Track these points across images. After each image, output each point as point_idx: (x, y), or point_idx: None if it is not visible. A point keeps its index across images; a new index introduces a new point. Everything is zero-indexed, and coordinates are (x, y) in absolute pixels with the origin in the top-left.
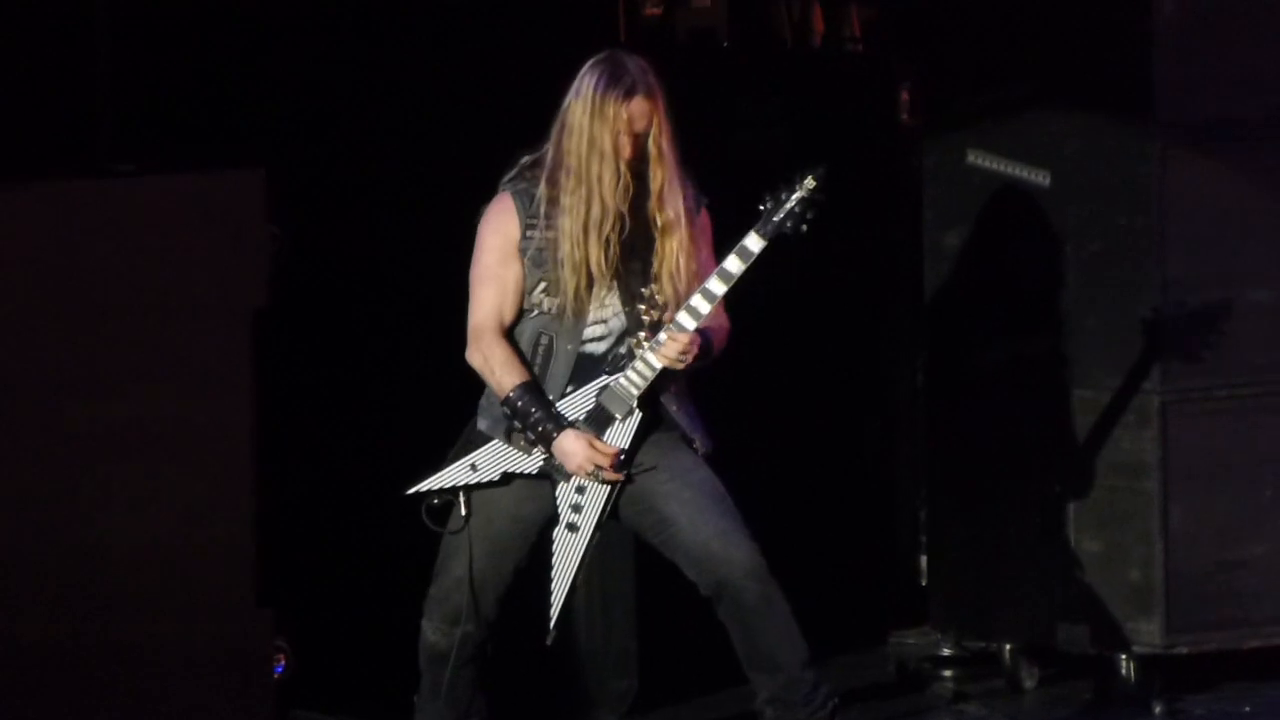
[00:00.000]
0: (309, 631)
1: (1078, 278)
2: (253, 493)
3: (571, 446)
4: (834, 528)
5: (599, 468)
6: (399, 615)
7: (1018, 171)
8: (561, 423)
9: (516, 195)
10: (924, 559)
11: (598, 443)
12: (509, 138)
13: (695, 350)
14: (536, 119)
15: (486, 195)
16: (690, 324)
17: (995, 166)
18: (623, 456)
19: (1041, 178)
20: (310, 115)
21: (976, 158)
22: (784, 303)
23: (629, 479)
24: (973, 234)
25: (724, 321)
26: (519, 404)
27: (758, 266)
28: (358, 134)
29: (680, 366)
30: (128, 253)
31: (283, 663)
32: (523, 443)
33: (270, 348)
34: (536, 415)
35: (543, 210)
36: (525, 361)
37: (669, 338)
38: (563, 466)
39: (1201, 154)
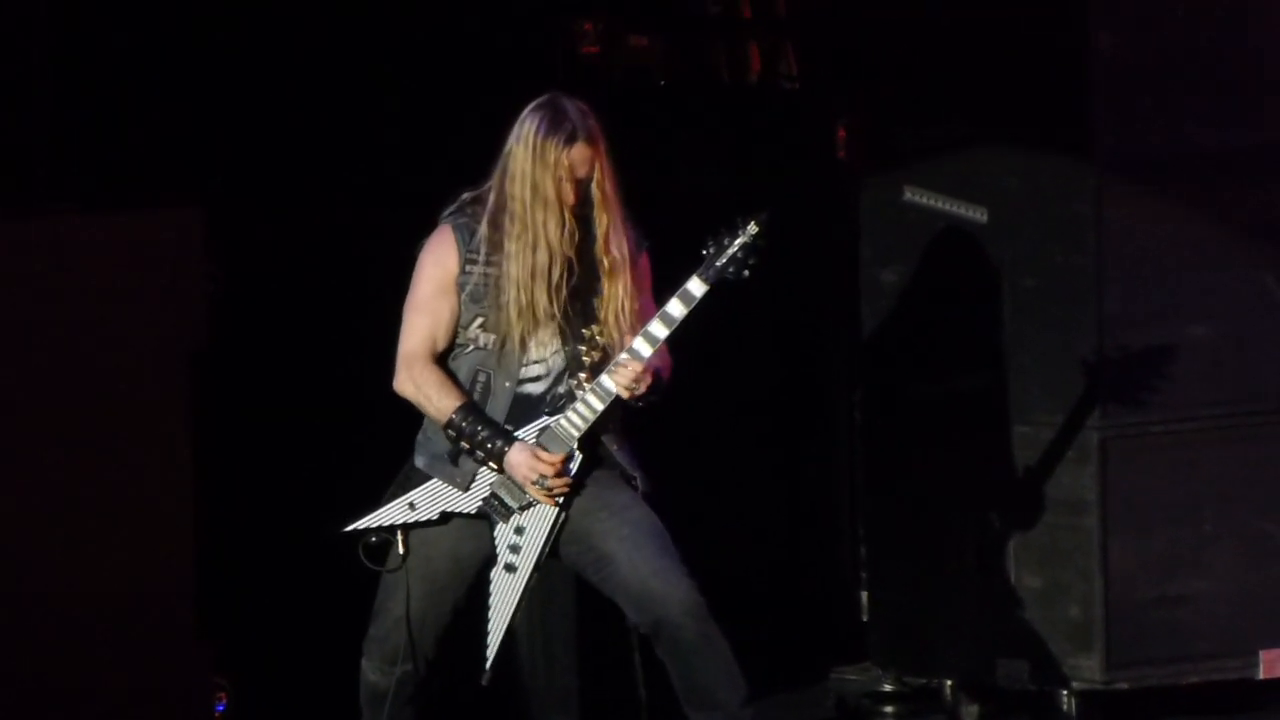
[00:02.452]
0: (250, 668)
1: (1015, 314)
2: (192, 530)
3: (518, 459)
4: (773, 564)
5: (543, 477)
6: (340, 653)
7: (955, 209)
8: (510, 437)
9: (457, 229)
10: (864, 594)
11: (541, 453)
12: (448, 174)
13: (649, 380)
14: (476, 156)
15: (425, 232)
16: (613, 385)
17: (932, 204)
18: (569, 465)
19: (979, 214)
20: (250, 153)
21: (913, 194)
22: (722, 338)
23: (567, 518)
24: (910, 271)
25: (668, 361)
26: (464, 425)
27: (699, 308)
28: (297, 172)
29: (630, 394)
30: (64, 292)
31: (223, 700)
32: (469, 464)
33: (209, 388)
34: (484, 434)
35: (483, 249)
36: (460, 385)
37: (621, 365)
38: (500, 506)
39: (1138, 190)
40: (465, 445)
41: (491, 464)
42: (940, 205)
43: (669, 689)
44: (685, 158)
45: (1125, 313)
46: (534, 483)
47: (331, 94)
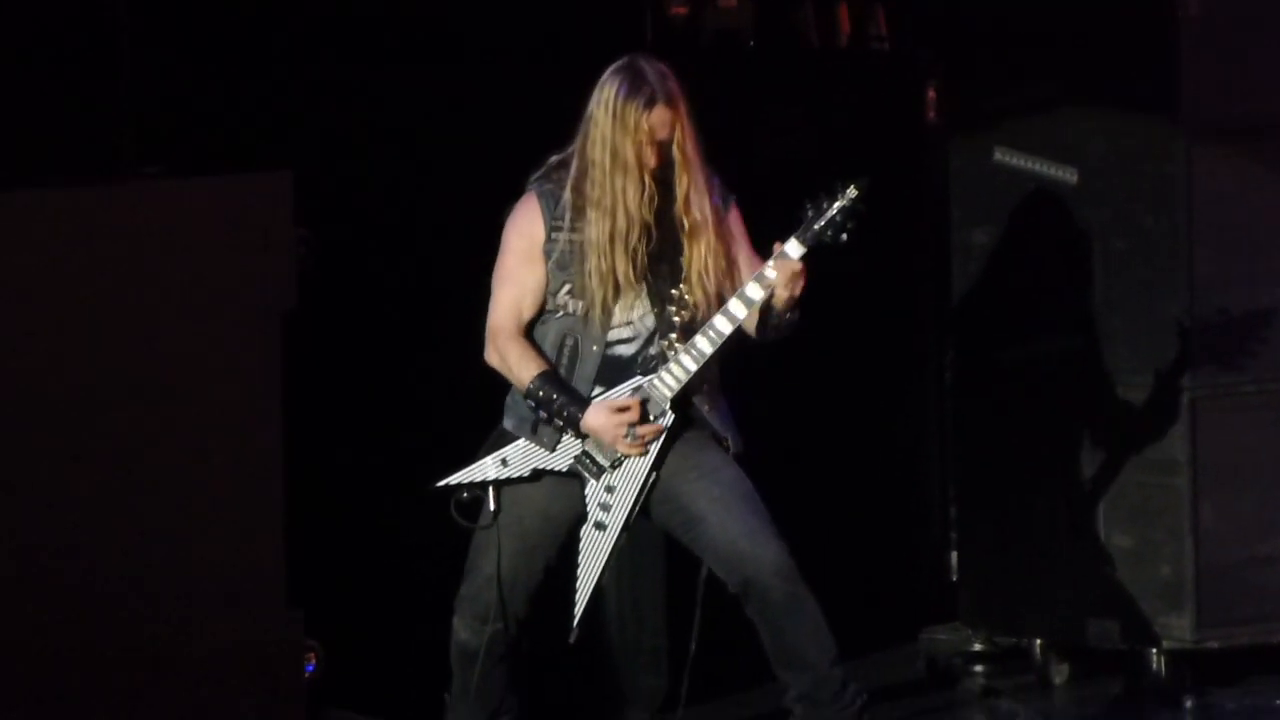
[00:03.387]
0: (340, 630)
1: (1105, 276)
2: (283, 493)
3: (596, 420)
4: (864, 525)
5: (630, 427)
6: (431, 614)
7: (1045, 169)
8: (585, 403)
9: (542, 196)
10: (954, 555)
11: (615, 403)
12: (536, 139)
13: (804, 281)
14: (563, 120)
15: (514, 197)
16: (740, 313)
17: (1022, 164)
18: (657, 419)
19: (1069, 175)
20: (338, 117)
21: (1003, 155)
22: (812, 302)
23: (658, 478)
24: (1000, 232)
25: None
26: (540, 393)
27: None
28: (386, 136)
29: (786, 294)
30: (155, 256)
31: (313, 662)
32: (550, 433)
33: (300, 349)
34: (559, 400)
35: (568, 214)
36: (543, 355)
37: (762, 275)
38: (591, 464)
39: (1227, 153)
40: (544, 414)
41: (570, 431)
42: (1030, 166)
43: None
44: (774, 120)
45: (1214, 274)
46: (623, 436)
47: (420, 58)
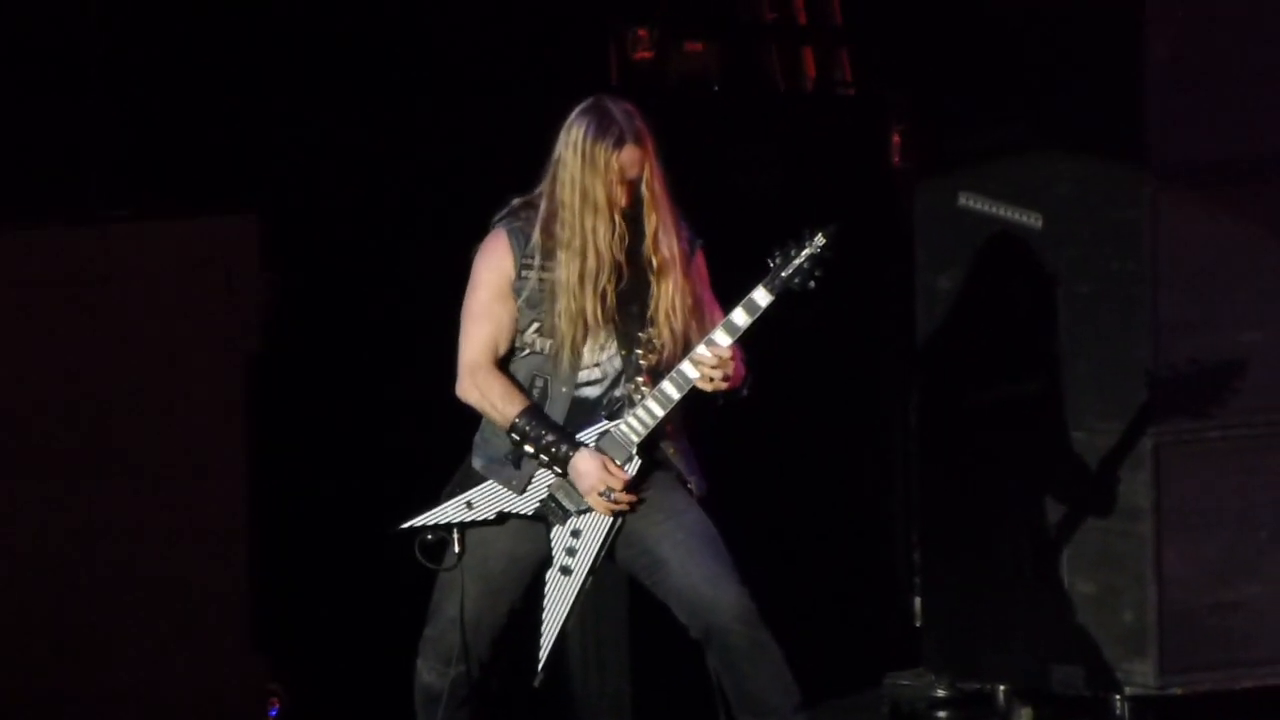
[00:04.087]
0: (303, 673)
1: (1070, 320)
2: (247, 535)
3: (586, 467)
4: (828, 569)
5: (610, 489)
6: (395, 656)
7: (1010, 214)
8: (576, 442)
9: (512, 234)
10: (918, 600)
11: (611, 465)
12: (500, 180)
13: (733, 368)
14: (528, 161)
15: (478, 236)
16: (694, 373)
17: (987, 209)
18: (622, 464)
19: (1034, 220)
20: (304, 159)
21: (969, 200)
22: (777, 344)
23: (623, 523)
24: (965, 276)
25: (740, 370)
26: (528, 429)
27: (762, 318)
28: (351, 178)
29: (711, 385)
30: (121, 298)
31: (276, 706)
32: (524, 472)
33: (265, 391)
34: (549, 438)
35: (538, 255)
36: (523, 389)
37: (701, 356)
38: (558, 508)
39: (1193, 196)
40: (530, 450)
41: (556, 469)
42: (995, 211)
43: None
44: (740, 164)
45: (1180, 318)
46: (600, 494)
47: (383, 98)
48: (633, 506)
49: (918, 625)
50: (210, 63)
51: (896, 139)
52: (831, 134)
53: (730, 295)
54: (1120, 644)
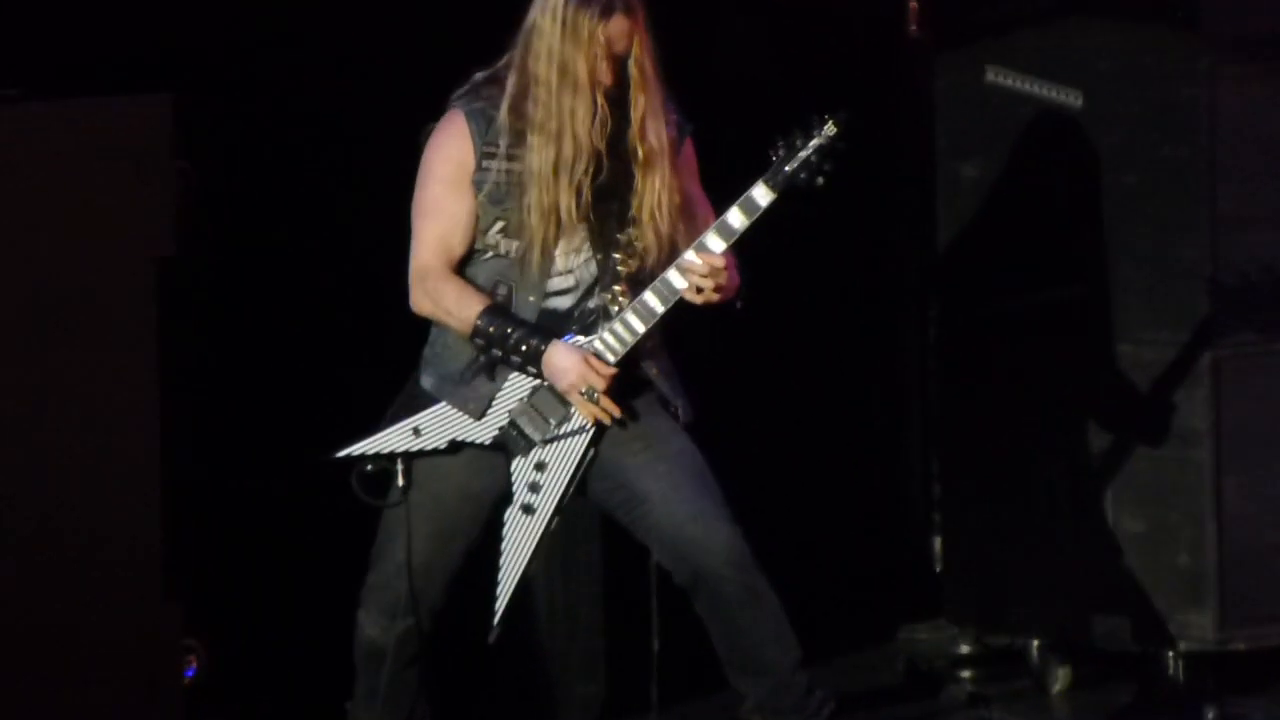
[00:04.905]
0: (224, 627)
1: (1114, 215)
2: (159, 468)
3: (564, 361)
4: (834, 507)
5: (594, 389)
6: (331, 607)
7: (1045, 92)
8: (549, 336)
9: (471, 116)
10: (938, 542)
11: (593, 359)
12: (455, 49)
13: (726, 278)
14: (486, 31)
15: (430, 116)
16: (682, 283)
17: (1019, 86)
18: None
19: (1072, 99)
20: (224, 33)
21: (997, 76)
22: (772, 248)
23: (596, 453)
24: (993, 164)
25: (734, 279)
26: (491, 329)
27: (762, 219)
28: (277, 53)
29: (701, 297)
30: (13, 191)
31: (194, 665)
32: (486, 387)
33: (178, 301)
34: (516, 334)
35: (504, 139)
36: (482, 290)
37: (690, 262)
38: (520, 437)
39: (1256, 72)
40: (497, 352)
41: (530, 369)
42: (1028, 88)
43: (699, 647)
44: (732, 34)
45: (1240, 213)
46: (582, 391)
47: None
48: (598, 433)
49: (937, 570)
50: None
51: (914, 4)
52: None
53: (719, 191)
54: (1174, 591)
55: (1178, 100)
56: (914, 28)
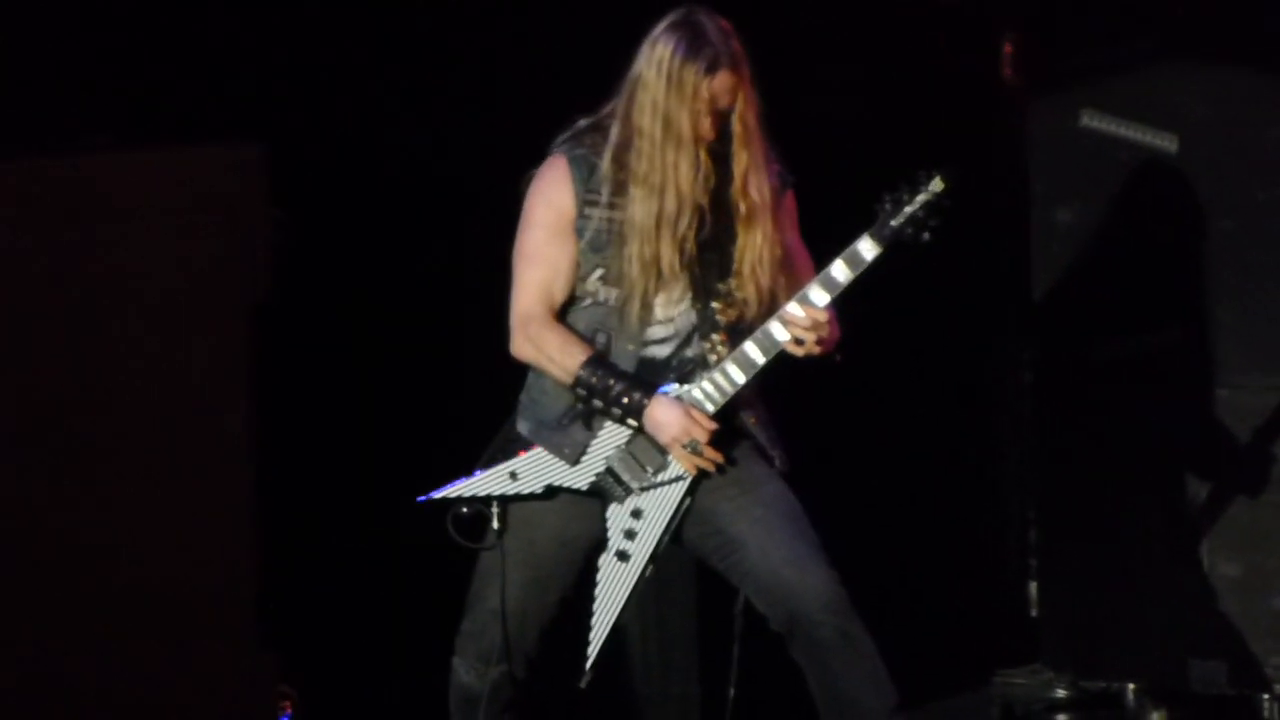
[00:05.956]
0: (319, 674)
1: (1210, 260)
2: (255, 515)
3: (666, 415)
4: (930, 551)
5: (695, 441)
6: (427, 653)
7: (1140, 136)
8: (651, 389)
9: (574, 162)
10: (1034, 586)
11: (696, 413)
12: (555, 100)
13: (827, 331)
14: (588, 76)
15: (527, 164)
16: (784, 335)
17: (1114, 130)
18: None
19: (1168, 143)
20: (319, 85)
21: (1092, 120)
22: (870, 291)
23: (692, 502)
24: (1089, 209)
25: (835, 332)
26: (594, 380)
27: (867, 273)
28: (372, 105)
29: (802, 349)
30: (108, 240)
31: (289, 712)
32: (583, 434)
33: (274, 349)
34: (619, 386)
35: (606, 189)
36: (584, 338)
37: (791, 314)
38: (617, 484)
39: None
40: (598, 403)
41: (630, 421)
42: (1123, 132)
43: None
44: (824, 79)
45: None
46: (684, 445)
47: (404, 13)
48: (695, 482)
49: (1033, 615)
50: None
51: (1008, 49)
52: (930, 45)
53: (811, 238)
54: (1269, 635)
55: (1273, 144)
56: (1008, 72)
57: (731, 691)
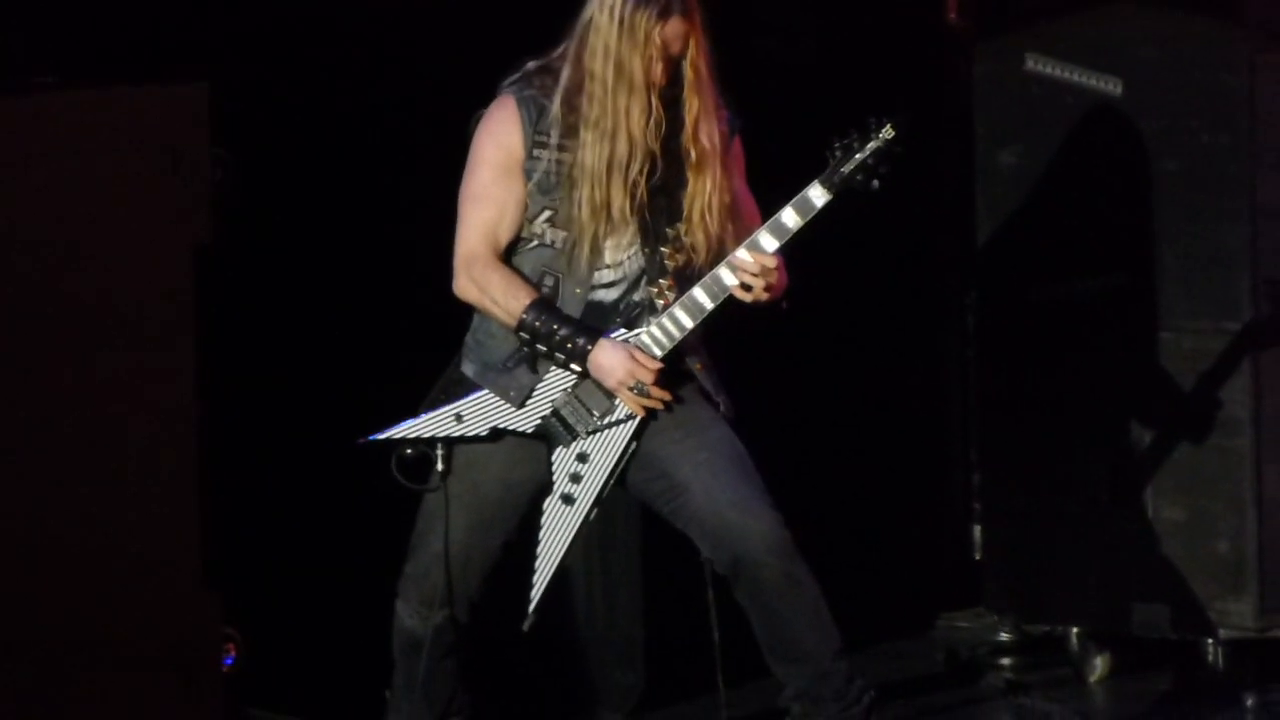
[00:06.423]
0: (263, 617)
1: (1155, 203)
2: (197, 456)
3: (610, 359)
4: (872, 494)
5: (641, 384)
6: (370, 596)
7: (1085, 79)
8: (595, 334)
9: (523, 103)
10: (977, 530)
11: (640, 354)
12: (496, 39)
13: (776, 278)
14: (534, 17)
15: (471, 106)
16: (732, 280)
17: (1058, 73)
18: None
19: (1112, 86)
20: (260, 22)
21: (1036, 63)
22: (810, 238)
23: (637, 446)
24: (1032, 152)
25: (783, 280)
26: (538, 324)
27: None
28: (315, 39)
29: (750, 295)
30: (48, 180)
31: (233, 653)
32: (528, 377)
33: (215, 289)
34: (563, 331)
35: (554, 131)
36: (529, 281)
37: (740, 260)
38: (563, 427)
39: None
40: (542, 347)
41: (574, 365)
42: (1068, 76)
43: (749, 637)
44: (768, 20)
45: None
46: (630, 388)
47: None
48: (640, 426)
49: (977, 558)
50: None
51: None
52: None
53: (757, 182)
54: (1214, 579)
55: (1218, 88)
56: (953, 14)
57: (715, 636)
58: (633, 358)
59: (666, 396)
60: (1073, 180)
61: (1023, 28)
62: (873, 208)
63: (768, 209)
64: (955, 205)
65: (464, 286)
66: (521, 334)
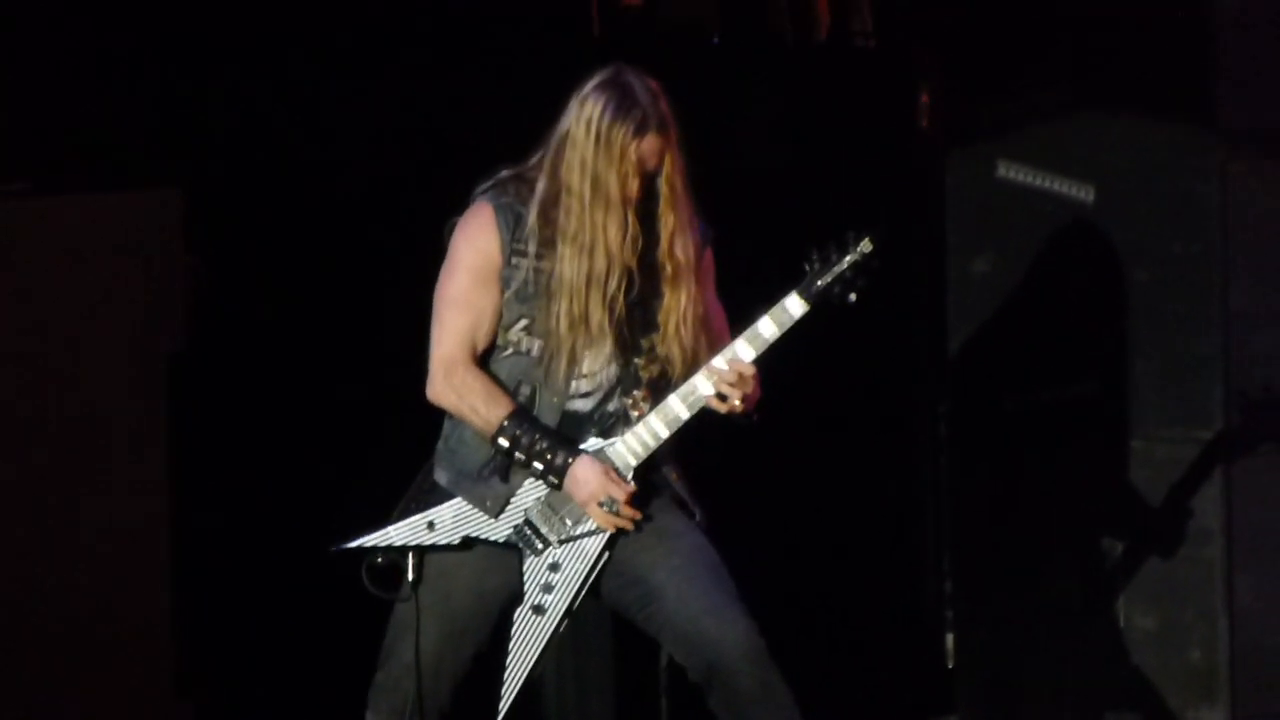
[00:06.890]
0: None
1: (1127, 311)
2: (170, 562)
3: (586, 474)
4: (847, 601)
5: (613, 499)
6: (339, 706)
7: (1056, 187)
8: (575, 448)
9: (500, 211)
10: (950, 637)
11: (614, 474)
12: (471, 148)
13: (753, 387)
14: (507, 124)
15: (441, 216)
16: (709, 390)
17: (1030, 181)
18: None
19: (1084, 194)
20: (235, 124)
21: (1008, 171)
22: (785, 341)
23: (610, 556)
24: (1005, 261)
25: (757, 391)
26: (518, 433)
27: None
28: (291, 147)
29: (726, 405)
30: (21, 288)
31: None
32: (501, 487)
33: (189, 395)
34: (543, 444)
35: (531, 242)
36: (506, 389)
37: (718, 368)
38: (535, 537)
39: (1268, 168)
40: (521, 457)
41: (552, 479)
42: (1040, 183)
43: None
44: (742, 128)
45: (1253, 310)
46: (600, 504)
47: (328, 49)
48: (613, 536)
49: (950, 666)
50: (124, 15)
51: (924, 99)
52: (848, 93)
53: (728, 287)
54: (1186, 687)
55: (1190, 196)
56: (925, 122)
57: None
58: (607, 474)
59: (637, 515)
60: (1045, 288)
61: (994, 136)
62: (846, 315)
63: (739, 314)
64: (928, 313)
65: (441, 391)
66: (500, 442)
